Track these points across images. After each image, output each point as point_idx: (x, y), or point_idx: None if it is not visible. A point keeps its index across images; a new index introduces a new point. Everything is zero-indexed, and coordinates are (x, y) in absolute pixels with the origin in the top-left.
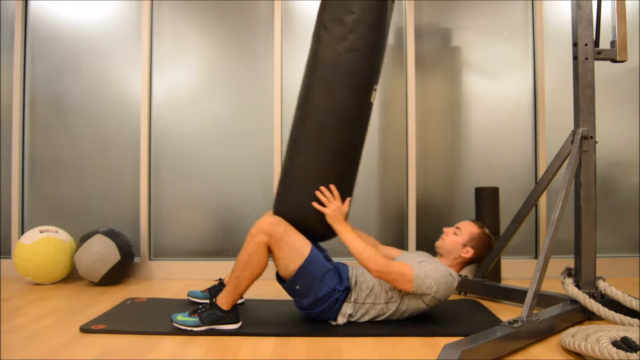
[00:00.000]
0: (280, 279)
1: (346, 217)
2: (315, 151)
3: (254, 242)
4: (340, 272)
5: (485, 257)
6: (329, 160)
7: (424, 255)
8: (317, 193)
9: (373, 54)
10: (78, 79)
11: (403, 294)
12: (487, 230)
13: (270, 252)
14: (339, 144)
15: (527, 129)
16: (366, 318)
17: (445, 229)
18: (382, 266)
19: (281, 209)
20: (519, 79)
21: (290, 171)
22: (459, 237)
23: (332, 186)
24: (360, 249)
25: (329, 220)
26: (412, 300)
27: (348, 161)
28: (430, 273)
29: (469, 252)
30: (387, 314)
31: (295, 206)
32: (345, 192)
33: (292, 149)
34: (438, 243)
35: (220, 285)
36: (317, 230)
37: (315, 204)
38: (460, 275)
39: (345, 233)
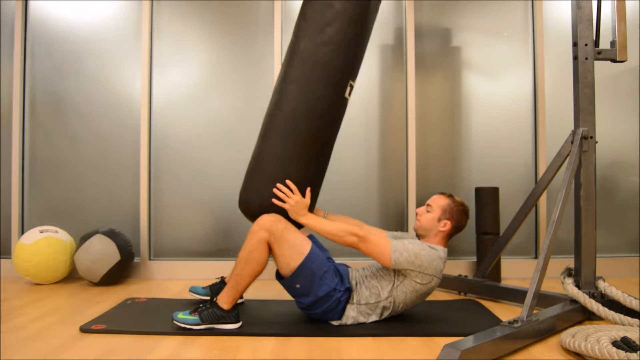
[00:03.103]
0: (280, 277)
1: (311, 208)
2: (281, 139)
3: (255, 239)
4: (341, 273)
5: (465, 224)
6: (295, 149)
7: (407, 236)
8: (275, 190)
9: (350, 49)
10: (78, 79)
11: (394, 280)
12: (457, 198)
13: (270, 250)
14: (306, 134)
15: (527, 129)
16: (374, 318)
17: (418, 210)
18: (360, 236)
19: (246, 195)
20: (519, 79)
21: (257, 158)
22: (432, 213)
23: (288, 181)
24: (332, 230)
25: (291, 215)
26: (405, 283)
27: (315, 152)
28: (408, 246)
29: (446, 225)
30: (391, 308)
31: (259, 194)
32: (309, 183)
33: (262, 137)
34: (415, 225)
35: (221, 283)
36: None
37: (274, 200)
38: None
39: (310, 222)
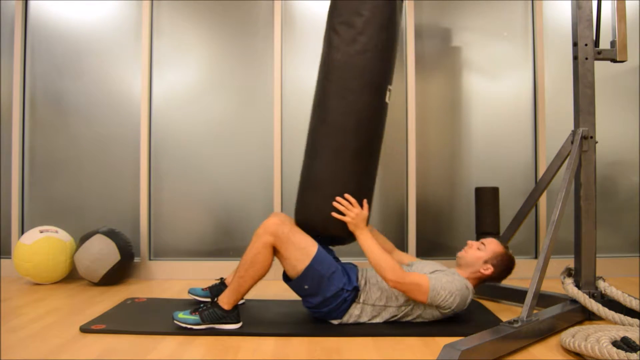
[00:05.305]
0: (287, 279)
1: (368, 220)
2: (332, 154)
3: (260, 242)
4: (348, 272)
5: (503, 277)
6: (347, 162)
7: (437, 265)
8: (335, 203)
9: (384, 54)
10: (78, 79)
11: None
12: (510, 252)
13: (276, 252)
14: (356, 146)
15: (527, 129)
16: (377, 320)
17: (470, 242)
18: (398, 277)
19: (302, 215)
20: (519, 79)
21: (309, 177)
22: (482, 252)
23: (347, 195)
24: (378, 258)
25: (351, 227)
26: (428, 308)
27: (366, 162)
28: (446, 285)
29: (488, 269)
30: (399, 316)
31: (317, 212)
32: (365, 194)
33: (310, 154)
34: (460, 254)
35: (221, 285)
36: (339, 235)
37: (334, 214)
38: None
39: (365, 240)
